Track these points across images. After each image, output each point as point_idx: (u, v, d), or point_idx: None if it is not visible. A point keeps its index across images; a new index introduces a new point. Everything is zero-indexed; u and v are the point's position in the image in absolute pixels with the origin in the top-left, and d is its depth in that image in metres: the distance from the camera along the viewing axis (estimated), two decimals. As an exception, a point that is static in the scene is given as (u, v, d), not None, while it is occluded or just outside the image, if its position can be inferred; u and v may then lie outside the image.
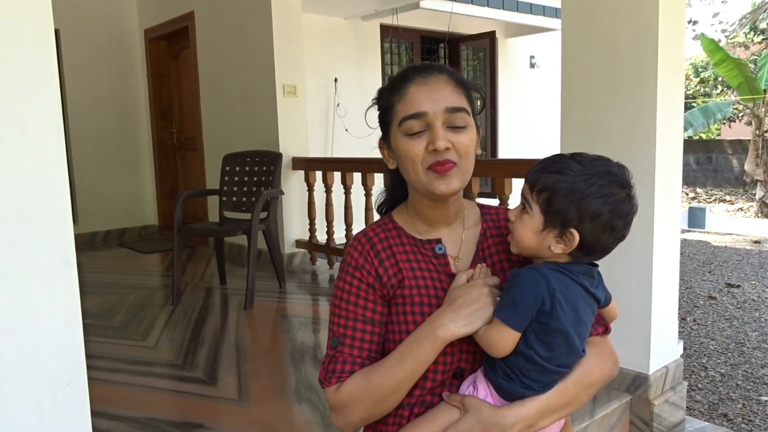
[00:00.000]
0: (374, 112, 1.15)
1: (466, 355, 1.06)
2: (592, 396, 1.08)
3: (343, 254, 1.14)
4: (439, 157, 1.03)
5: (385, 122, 1.11)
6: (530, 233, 1.01)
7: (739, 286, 5.56)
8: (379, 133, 1.15)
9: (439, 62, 1.13)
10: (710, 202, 11.97)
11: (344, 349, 1.08)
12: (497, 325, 0.98)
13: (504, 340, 0.97)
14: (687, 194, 12.79)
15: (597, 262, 1.06)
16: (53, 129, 1.15)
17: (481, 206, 1.22)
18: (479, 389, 1.02)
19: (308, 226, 4.53)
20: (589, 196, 0.97)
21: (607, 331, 1.14)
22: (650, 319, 2.39)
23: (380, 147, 1.15)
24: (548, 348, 0.98)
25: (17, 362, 1.12)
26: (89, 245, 5.65)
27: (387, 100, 1.10)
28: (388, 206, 1.23)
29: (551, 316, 0.96)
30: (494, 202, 3.31)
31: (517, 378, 0.99)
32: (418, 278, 1.09)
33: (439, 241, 1.12)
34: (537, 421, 1.01)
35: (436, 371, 1.05)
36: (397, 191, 1.20)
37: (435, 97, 1.04)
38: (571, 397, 1.03)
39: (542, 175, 1.00)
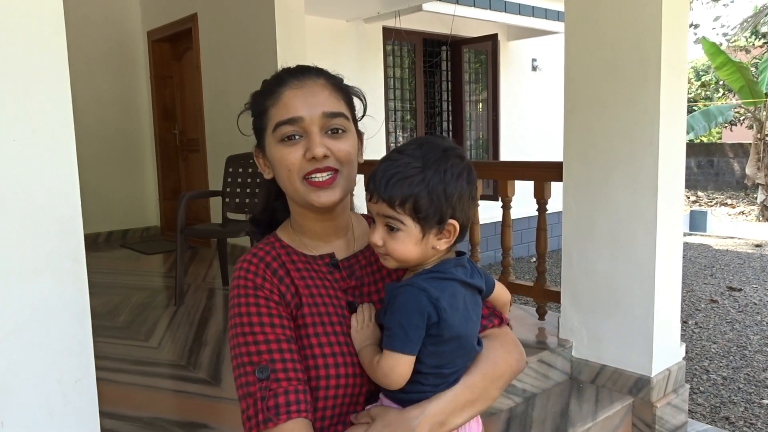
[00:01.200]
0: (248, 118, 1.07)
1: None
2: (502, 389, 1.04)
3: (232, 283, 1.02)
4: (318, 165, 0.97)
5: (259, 128, 1.05)
6: (412, 246, 0.96)
7: (740, 290, 5.56)
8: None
9: (316, 66, 1.07)
10: (711, 206, 11.98)
11: (279, 375, 0.93)
12: (390, 355, 0.93)
13: (400, 367, 0.93)
14: (688, 197, 12.79)
15: (464, 250, 1.05)
16: (64, 128, 1.16)
17: (367, 217, 1.16)
18: (384, 402, 1.00)
19: (310, 228, 4.52)
20: (448, 183, 0.95)
21: (503, 321, 1.10)
22: (653, 321, 2.40)
23: (255, 155, 1.09)
24: (440, 356, 0.95)
25: (27, 360, 1.13)
26: (91, 246, 5.66)
27: (260, 105, 1.02)
28: (265, 216, 1.14)
29: (441, 326, 0.93)
30: (497, 204, 3.32)
31: (414, 389, 0.96)
32: (315, 296, 1.02)
33: (332, 255, 1.06)
34: (448, 418, 0.96)
35: (346, 395, 0.99)
36: (274, 201, 1.13)
37: (311, 101, 0.98)
38: (481, 390, 0.99)
39: (393, 187, 0.94)
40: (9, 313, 1.11)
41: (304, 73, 1.02)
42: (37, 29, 1.12)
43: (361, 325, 1.01)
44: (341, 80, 1.05)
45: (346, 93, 1.04)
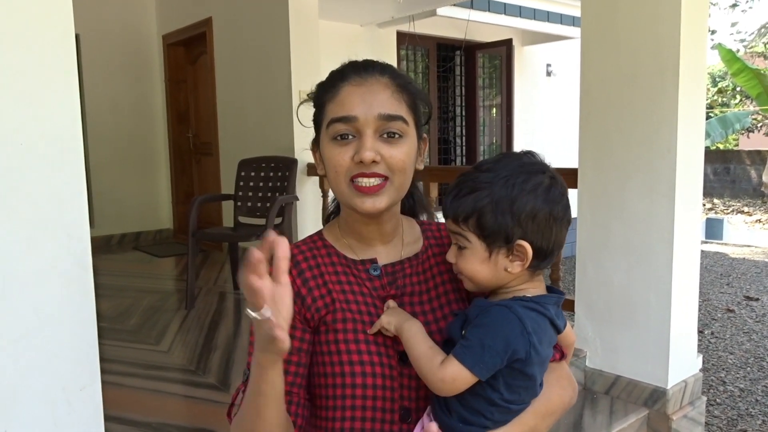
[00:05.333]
0: (309, 109, 1.03)
1: (408, 392, 0.95)
2: (551, 425, 0.98)
3: None
4: (365, 169, 0.91)
5: (316, 122, 1.00)
6: (479, 266, 0.90)
7: (757, 300, 5.47)
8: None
9: (383, 62, 0.99)
10: (728, 213, 11.83)
11: None
12: (457, 365, 0.84)
13: (462, 382, 0.85)
14: (704, 205, 12.65)
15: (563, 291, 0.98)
16: (71, 134, 1.14)
17: (421, 223, 1.11)
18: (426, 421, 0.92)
19: (322, 233, 4.51)
20: (516, 198, 0.86)
21: (563, 356, 1.05)
22: (669, 332, 2.35)
23: (312, 149, 1.04)
24: (515, 392, 0.89)
25: (32, 367, 1.11)
26: (105, 248, 5.69)
27: (320, 98, 0.98)
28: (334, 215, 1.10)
29: (526, 363, 0.86)
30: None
31: (478, 421, 0.89)
32: (350, 302, 0.97)
33: (374, 261, 1.01)
34: None
35: (376, 408, 0.94)
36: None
37: (369, 100, 0.92)
38: (530, 428, 0.93)
39: (458, 201, 0.89)
40: (14, 320, 1.09)
41: (367, 69, 0.96)
42: (46, 35, 1.11)
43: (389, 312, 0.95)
44: (407, 81, 0.98)
45: (410, 95, 0.97)
